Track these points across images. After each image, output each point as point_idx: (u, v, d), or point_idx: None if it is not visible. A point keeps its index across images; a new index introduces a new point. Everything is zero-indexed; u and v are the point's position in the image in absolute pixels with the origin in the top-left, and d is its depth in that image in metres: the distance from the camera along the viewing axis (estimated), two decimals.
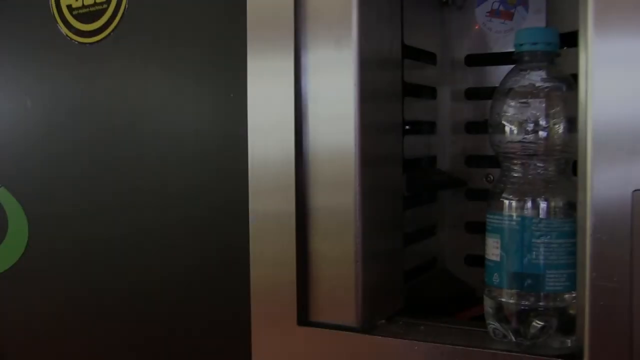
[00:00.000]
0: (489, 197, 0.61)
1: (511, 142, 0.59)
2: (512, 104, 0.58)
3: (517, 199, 0.58)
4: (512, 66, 0.61)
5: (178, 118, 0.72)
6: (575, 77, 0.54)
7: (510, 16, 0.76)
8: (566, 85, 0.58)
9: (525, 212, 0.57)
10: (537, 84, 0.58)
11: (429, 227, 0.80)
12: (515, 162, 0.59)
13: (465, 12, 0.79)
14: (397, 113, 0.68)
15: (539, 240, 0.56)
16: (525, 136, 0.58)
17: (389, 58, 0.67)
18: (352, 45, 0.59)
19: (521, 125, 0.58)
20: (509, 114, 0.58)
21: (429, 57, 0.79)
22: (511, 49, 0.60)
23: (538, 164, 0.58)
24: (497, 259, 0.58)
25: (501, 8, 0.77)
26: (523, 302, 0.57)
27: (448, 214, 0.82)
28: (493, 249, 0.59)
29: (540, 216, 0.57)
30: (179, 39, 0.71)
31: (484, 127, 0.64)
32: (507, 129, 0.59)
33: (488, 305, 0.60)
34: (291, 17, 0.61)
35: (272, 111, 0.63)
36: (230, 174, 0.67)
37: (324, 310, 0.63)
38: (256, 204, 0.64)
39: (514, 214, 0.57)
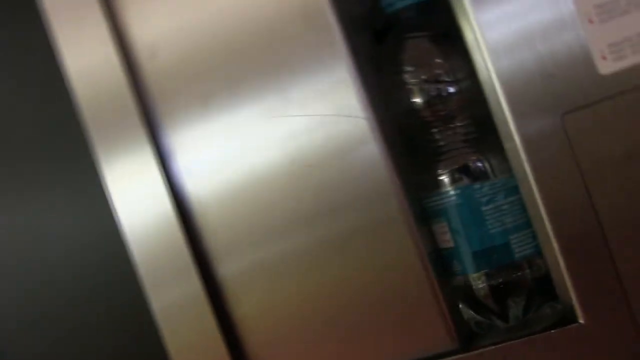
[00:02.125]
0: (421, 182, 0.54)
1: (420, 108, 0.51)
2: (407, 69, 0.51)
3: (449, 170, 0.50)
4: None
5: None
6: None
7: None
8: (450, 34, 0.52)
9: (463, 182, 0.50)
10: (422, 40, 0.51)
11: None
12: (434, 130, 0.52)
13: None
14: None
15: (488, 207, 0.49)
16: (432, 98, 0.51)
17: None
18: None
19: (422, 88, 0.51)
20: (408, 81, 0.51)
21: None
22: None
23: (458, 125, 0.51)
24: (451, 244, 0.50)
25: None
26: (496, 281, 0.49)
27: None
28: (443, 236, 0.51)
29: (481, 181, 0.49)
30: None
31: None
32: (411, 96, 0.52)
33: (459, 298, 0.52)
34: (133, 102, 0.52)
35: (144, 201, 0.52)
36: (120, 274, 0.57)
37: None
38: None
39: (452, 189, 0.50)
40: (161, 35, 0.51)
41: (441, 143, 0.52)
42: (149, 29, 0.52)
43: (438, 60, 0.51)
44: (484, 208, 0.49)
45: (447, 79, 0.50)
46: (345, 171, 0.48)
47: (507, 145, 0.45)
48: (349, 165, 0.48)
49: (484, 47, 0.45)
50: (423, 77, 0.51)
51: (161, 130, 0.51)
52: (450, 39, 0.50)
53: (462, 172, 0.50)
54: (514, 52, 0.44)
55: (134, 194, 0.51)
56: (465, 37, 0.47)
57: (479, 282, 0.50)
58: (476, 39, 0.45)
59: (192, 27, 0.51)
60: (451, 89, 0.50)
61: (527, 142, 0.44)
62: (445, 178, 0.50)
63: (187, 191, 0.51)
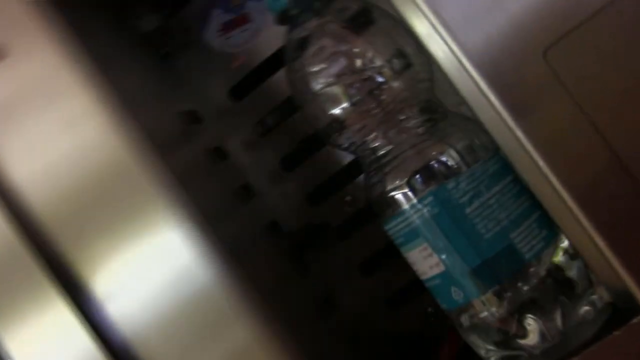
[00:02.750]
0: (374, 209, 0.42)
1: (348, 112, 0.40)
2: (317, 69, 0.40)
3: (408, 177, 0.38)
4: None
5: None
6: None
7: (245, 19, 0.59)
8: (365, 16, 0.41)
9: (432, 184, 0.38)
10: (331, 27, 0.40)
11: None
12: (371, 136, 0.40)
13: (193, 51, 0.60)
14: None
15: (473, 207, 0.37)
16: (359, 94, 0.39)
17: None
18: None
19: (345, 85, 0.39)
20: (322, 82, 0.40)
21: (192, 120, 0.59)
22: None
23: (401, 119, 0.40)
24: (440, 268, 0.38)
25: (230, 17, 0.59)
26: (511, 296, 0.37)
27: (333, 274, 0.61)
28: (426, 261, 0.38)
29: (453, 176, 0.37)
30: None
31: None
32: (330, 101, 0.40)
33: (470, 338, 0.39)
34: None
35: None
36: None
37: None
38: None
39: (420, 198, 0.38)
40: None
41: (384, 151, 0.40)
42: None
43: (356, 49, 0.39)
44: (468, 210, 0.37)
45: (374, 67, 0.39)
46: None
47: (484, 117, 0.34)
48: None
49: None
50: (339, 74, 0.39)
51: None
52: (361, 15, 0.39)
53: (424, 175, 0.38)
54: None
55: None
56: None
57: (490, 306, 0.37)
58: None
59: None
60: (380, 78, 0.39)
61: (513, 104, 0.33)
62: (404, 191, 0.38)
63: None
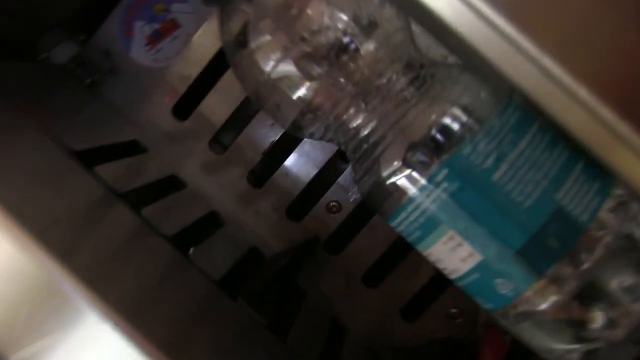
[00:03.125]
0: (372, 206, 0.33)
1: (314, 89, 0.31)
2: (265, 48, 0.31)
3: (406, 153, 0.30)
4: None
5: None
6: None
7: (173, 25, 0.51)
8: None
9: (442, 155, 0.29)
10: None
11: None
12: (350, 114, 0.31)
13: (120, 75, 0.51)
14: None
15: (502, 169, 0.29)
16: (323, 64, 0.31)
17: None
18: None
19: (303, 57, 0.31)
20: (275, 60, 0.31)
21: (132, 151, 0.50)
22: None
23: (381, 84, 0.31)
24: (476, 260, 0.29)
25: (156, 27, 0.51)
26: (576, 273, 0.29)
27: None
28: (455, 254, 0.30)
29: (466, 139, 0.29)
30: None
31: None
32: (291, 83, 0.31)
33: (534, 341, 0.30)
34: None
35: None
36: None
37: None
38: None
39: (430, 175, 0.29)
40: None
41: (369, 129, 0.31)
42: None
43: (308, 10, 0.31)
44: (495, 175, 0.28)
45: (335, 28, 0.31)
46: None
47: (492, 51, 0.26)
48: None
49: None
50: (291, 45, 0.31)
51: None
52: None
53: (428, 145, 0.29)
54: None
55: None
56: None
57: (550, 294, 0.29)
58: None
59: None
60: (348, 39, 0.31)
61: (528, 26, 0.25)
62: (406, 172, 0.30)
63: None
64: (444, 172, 0.28)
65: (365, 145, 0.31)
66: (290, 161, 0.49)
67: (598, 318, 0.28)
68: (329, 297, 0.50)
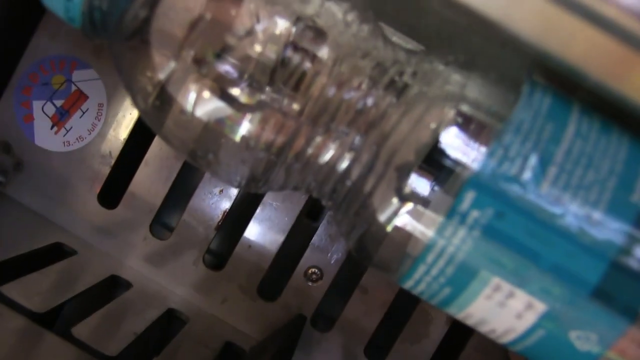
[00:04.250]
0: (374, 264, 0.24)
1: (256, 126, 0.22)
2: (181, 76, 0.22)
3: (407, 180, 0.21)
4: None
5: None
6: None
7: (79, 97, 0.41)
8: None
9: (461, 173, 0.20)
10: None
11: None
12: (328, 145, 0.23)
13: (28, 169, 0.42)
14: None
15: (551, 175, 0.20)
16: (274, 85, 0.22)
17: None
18: None
19: (228, 81, 0.22)
20: (197, 93, 0.22)
21: (55, 256, 0.40)
22: None
23: (350, 96, 0.23)
24: (539, 310, 0.20)
25: (59, 103, 0.42)
26: None
27: None
28: (507, 309, 0.21)
29: (493, 138, 0.20)
30: None
31: None
32: (224, 120, 0.22)
33: None
34: None
35: None
36: None
37: None
38: None
39: (452, 205, 0.20)
40: None
41: (347, 161, 0.23)
42: None
43: (232, 10, 0.22)
44: (544, 186, 0.20)
45: (271, 37, 0.22)
46: None
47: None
48: None
49: None
50: (214, 67, 0.22)
51: None
52: None
53: (436, 163, 0.21)
54: None
55: None
56: None
57: None
58: None
59: None
60: (302, 52, 0.22)
61: None
62: (413, 206, 0.21)
63: None
64: (470, 195, 0.20)
65: (346, 184, 0.23)
66: (251, 231, 0.40)
67: None
68: None
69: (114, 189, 0.41)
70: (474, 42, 0.21)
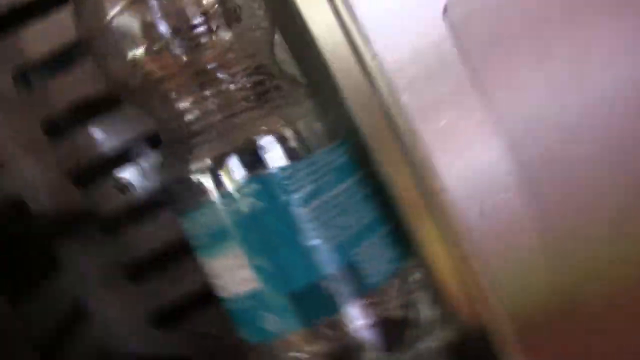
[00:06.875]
0: (168, 197, 0.30)
1: (157, 60, 0.28)
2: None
3: (224, 155, 0.28)
4: None
5: None
6: None
7: None
8: None
9: (258, 169, 0.27)
10: None
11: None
12: (178, 92, 0.29)
13: None
14: None
15: (313, 205, 0.27)
16: (179, 38, 0.28)
17: None
18: None
19: (157, 25, 0.28)
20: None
21: None
22: None
23: (222, 77, 0.29)
24: (254, 287, 0.28)
25: None
26: (339, 333, 0.28)
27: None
28: (236, 274, 0.28)
29: (289, 161, 0.27)
30: None
31: None
32: (134, 42, 0.28)
33: None
34: None
35: None
36: None
37: None
38: None
39: (240, 186, 0.27)
40: None
41: (193, 116, 0.29)
42: None
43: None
44: (304, 209, 0.27)
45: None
46: None
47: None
48: None
49: None
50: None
51: None
52: None
53: (249, 154, 0.28)
54: None
55: None
56: None
57: (306, 345, 0.28)
58: None
59: None
60: (211, 25, 0.28)
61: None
62: (218, 173, 0.28)
63: None
64: (255, 187, 0.27)
65: (184, 132, 0.29)
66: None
67: None
68: (80, 279, 0.45)
69: None
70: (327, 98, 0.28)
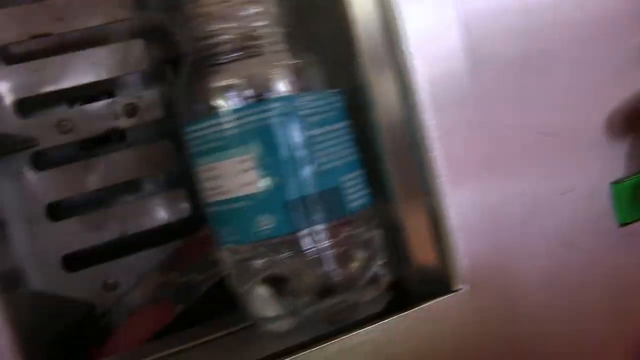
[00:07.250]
0: (175, 109, 0.34)
1: None
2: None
3: (250, 75, 0.32)
4: None
5: None
6: None
7: None
8: None
9: (280, 91, 0.32)
10: None
11: None
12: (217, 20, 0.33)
13: None
14: None
15: (320, 131, 0.33)
16: None
17: None
18: None
19: None
20: None
21: None
22: None
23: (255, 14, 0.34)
24: (256, 189, 0.32)
25: None
26: (321, 244, 0.33)
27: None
28: (239, 177, 0.32)
29: (304, 91, 0.33)
30: None
31: None
32: None
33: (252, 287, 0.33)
34: None
35: None
36: None
37: None
38: None
39: (265, 100, 0.32)
40: None
41: (224, 38, 0.33)
42: None
43: None
44: (314, 132, 0.32)
45: None
46: None
47: None
48: None
49: None
50: None
51: None
52: None
53: (273, 78, 0.32)
54: None
55: None
56: None
57: (304, 246, 0.32)
58: None
59: None
60: None
61: None
62: (245, 90, 0.32)
63: None
64: (279, 104, 0.31)
65: (212, 52, 0.33)
66: None
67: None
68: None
69: None
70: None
